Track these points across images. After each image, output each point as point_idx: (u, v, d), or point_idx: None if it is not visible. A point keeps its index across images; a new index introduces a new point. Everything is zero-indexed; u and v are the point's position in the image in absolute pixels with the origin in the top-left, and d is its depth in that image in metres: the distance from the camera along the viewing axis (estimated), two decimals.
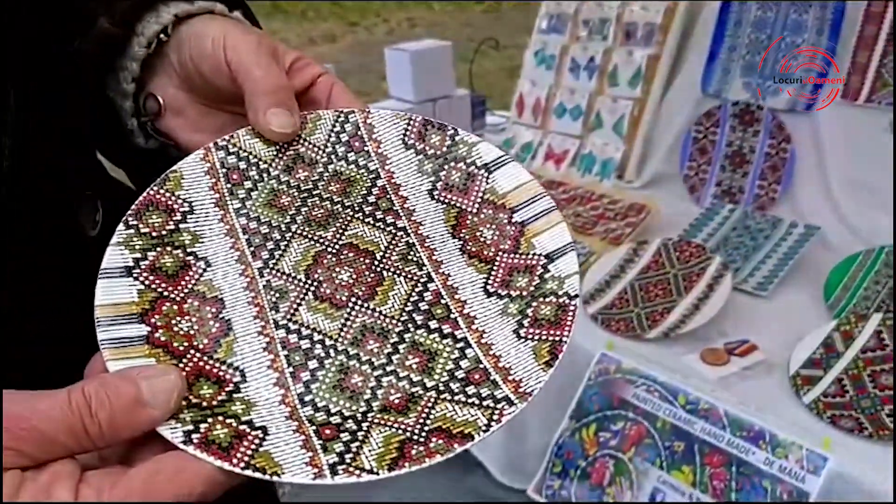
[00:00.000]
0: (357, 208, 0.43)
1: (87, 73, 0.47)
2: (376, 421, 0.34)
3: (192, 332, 0.37)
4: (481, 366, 0.37)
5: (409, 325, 0.39)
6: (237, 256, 0.40)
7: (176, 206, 0.41)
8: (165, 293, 0.38)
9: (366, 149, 0.45)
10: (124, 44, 0.46)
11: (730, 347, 1.31)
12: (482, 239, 0.42)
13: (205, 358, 0.36)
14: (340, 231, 0.42)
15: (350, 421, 0.34)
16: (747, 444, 1.14)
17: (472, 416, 0.34)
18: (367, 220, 0.43)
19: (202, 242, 0.40)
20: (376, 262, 0.41)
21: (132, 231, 0.39)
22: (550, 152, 2.06)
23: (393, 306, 0.39)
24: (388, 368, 0.37)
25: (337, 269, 0.40)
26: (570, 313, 0.38)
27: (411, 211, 0.43)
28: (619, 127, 1.93)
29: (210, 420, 0.33)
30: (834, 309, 1.37)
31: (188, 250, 0.40)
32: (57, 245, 0.45)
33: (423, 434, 0.33)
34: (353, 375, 0.37)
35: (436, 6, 6.68)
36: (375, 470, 0.32)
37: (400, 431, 0.34)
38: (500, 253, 0.41)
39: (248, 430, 0.33)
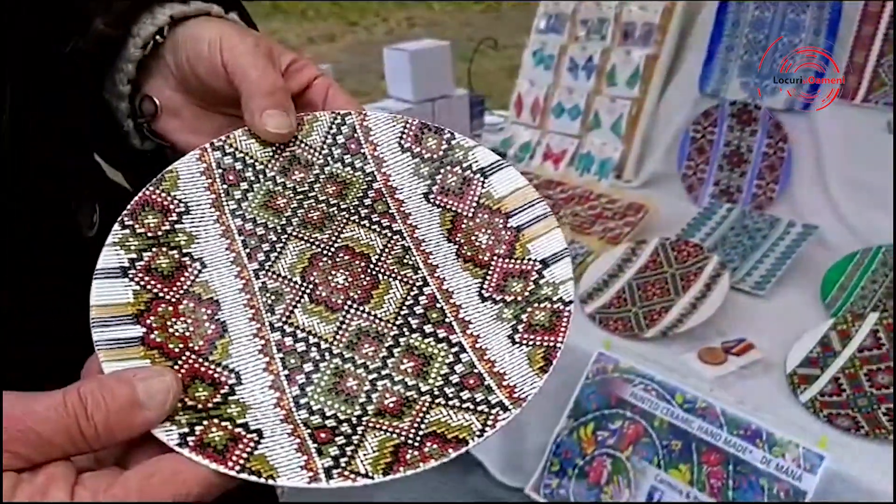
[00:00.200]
0: (353, 211, 0.43)
1: (84, 74, 0.47)
2: (371, 425, 0.34)
3: (187, 333, 0.37)
4: (476, 371, 0.37)
5: (405, 329, 0.39)
6: (233, 258, 0.40)
7: (172, 207, 0.41)
8: (161, 294, 0.38)
9: (362, 151, 0.45)
10: (120, 45, 0.46)
11: (727, 346, 1.32)
12: (477, 243, 0.42)
13: (200, 360, 0.36)
14: (336, 233, 0.42)
15: (345, 424, 0.35)
16: (744, 442, 1.14)
17: (467, 421, 0.34)
18: (362, 222, 0.43)
19: (198, 243, 0.40)
20: (372, 266, 0.41)
21: (128, 231, 0.39)
22: (549, 152, 2.06)
23: (388, 310, 0.39)
24: (384, 372, 0.37)
25: (332, 272, 0.40)
26: (565, 319, 0.38)
27: (407, 214, 0.43)
28: (618, 127, 1.94)
29: (206, 422, 0.33)
30: (831, 308, 1.37)
31: (184, 251, 0.40)
32: (56, 245, 0.45)
33: (418, 438, 0.33)
34: (348, 379, 0.37)
35: (435, 6, 6.68)
36: (370, 474, 0.32)
37: (395, 436, 0.34)
38: (496, 258, 0.41)
39: (243, 433, 0.33)
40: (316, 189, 0.44)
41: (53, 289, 0.43)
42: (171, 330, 0.37)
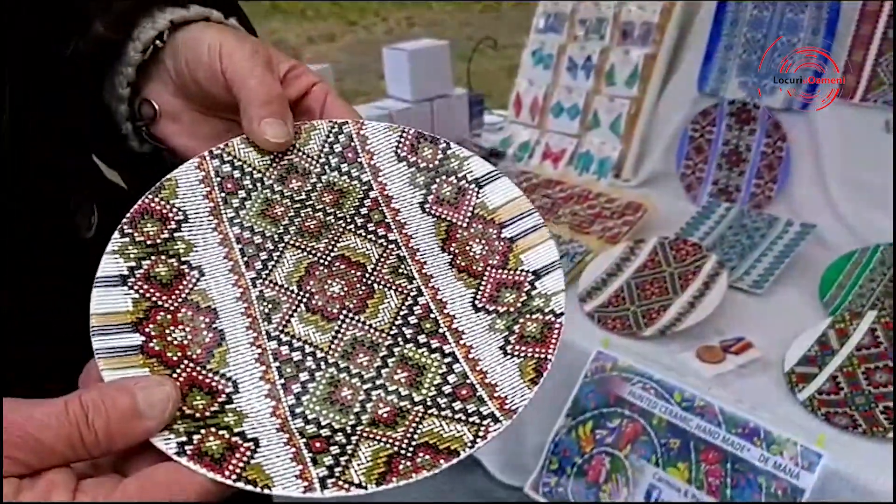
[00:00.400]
0: (349, 220, 0.43)
1: (83, 76, 0.47)
2: (365, 434, 0.35)
3: (185, 342, 0.37)
4: (468, 381, 0.37)
5: (399, 339, 0.39)
6: (230, 266, 0.41)
7: (171, 215, 0.41)
8: (160, 302, 0.38)
9: (359, 160, 0.45)
10: (120, 48, 0.46)
11: (725, 345, 1.32)
12: (472, 253, 0.42)
13: (198, 368, 0.36)
14: (333, 242, 0.42)
15: (339, 434, 0.35)
16: (742, 440, 1.14)
17: (459, 432, 0.35)
18: (358, 231, 0.43)
19: (196, 251, 0.41)
20: (367, 275, 0.41)
21: (127, 239, 0.39)
22: (548, 151, 2.06)
23: (383, 319, 0.40)
24: (378, 382, 0.37)
25: (329, 281, 0.41)
26: (556, 331, 0.38)
27: (402, 223, 0.43)
28: (616, 126, 1.94)
29: (203, 431, 0.33)
30: (829, 307, 1.38)
31: (182, 259, 0.40)
32: (56, 245, 0.46)
33: (411, 449, 0.34)
34: (343, 388, 0.37)
35: (435, 5, 6.68)
36: (364, 484, 0.32)
37: (388, 446, 0.34)
38: (489, 268, 0.42)
39: (240, 442, 0.33)
40: (313, 198, 0.44)
41: (53, 289, 0.44)
42: (169, 338, 0.37)
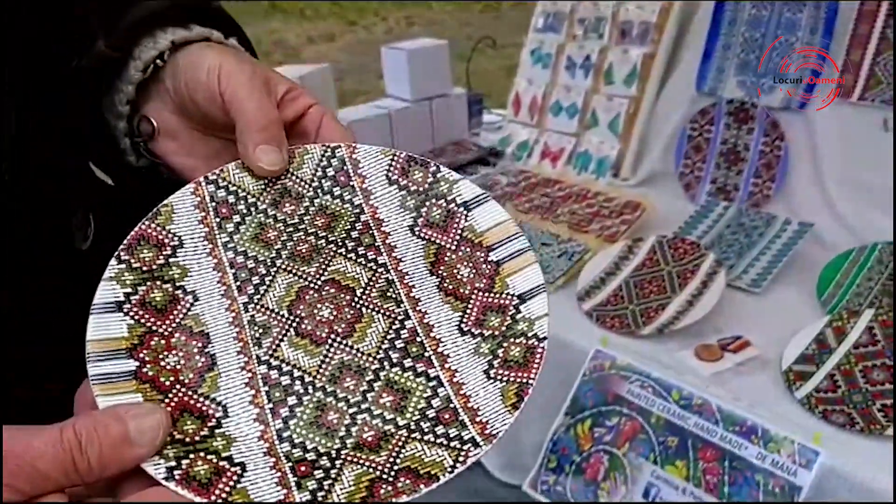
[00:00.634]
0: (340, 243, 0.44)
1: (84, 89, 0.48)
2: (349, 458, 0.35)
3: (178, 366, 0.38)
4: (451, 405, 0.38)
5: (385, 363, 0.39)
6: (223, 291, 0.41)
7: (166, 241, 0.42)
8: (154, 328, 0.39)
9: (351, 183, 0.46)
10: (121, 66, 0.47)
11: (723, 343, 1.32)
12: (459, 276, 0.43)
13: (189, 392, 0.37)
14: (323, 267, 0.43)
15: (324, 457, 0.36)
16: (740, 438, 1.15)
17: (439, 456, 0.35)
18: (349, 255, 0.43)
19: (191, 276, 0.41)
20: (356, 299, 0.42)
21: (124, 266, 0.40)
22: (546, 150, 2.07)
23: (370, 343, 0.40)
24: (363, 406, 0.38)
25: (318, 306, 0.41)
26: (538, 356, 0.38)
27: (392, 247, 0.44)
28: (615, 125, 1.94)
29: (192, 456, 0.34)
30: (827, 305, 1.38)
31: (177, 284, 0.41)
32: (56, 245, 0.46)
33: (392, 473, 0.35)
34: (329, 412, 0.37)
35: (434, 5, 6.68)
36: None
37: (370, 470, 0.35)
38: (476, 291, 0.42)
39: (227, 467, 0.34)
40: (306, 221, 0.44)
41: (53, 289, 0.44)
42: (162, 363, 0.38)
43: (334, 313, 0.41)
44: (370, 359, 0.39)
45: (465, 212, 0.44)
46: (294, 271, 0.42)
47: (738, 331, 1.35)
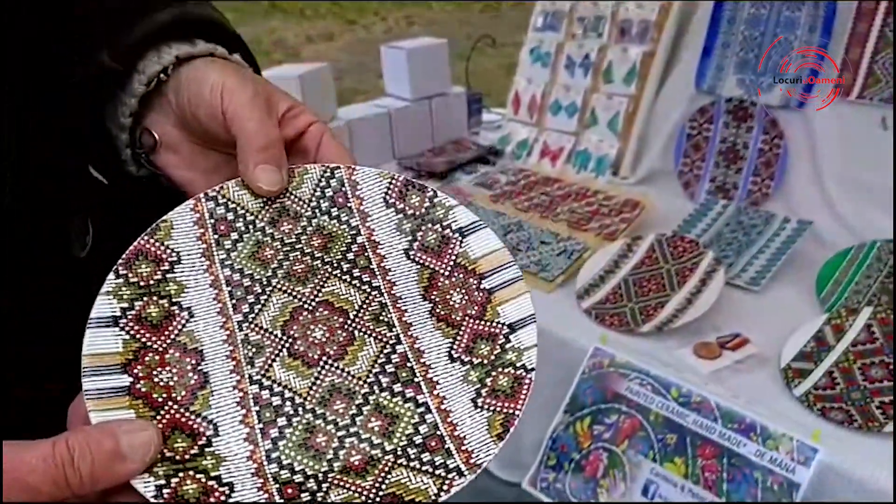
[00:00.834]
0: (336, 265, 0.44)
1: (86, 99, 0.48)
2: (335, 482, 0.36)
3: (171, 383, 0.38)
4: (438, 433, 0.38)
5: (375, 388, 0.40)
6: (219, 308, 0.41)
7: (164, 256, 0.42)
8: (149, 343, 0.39)
9: (349, 205, 0.46)
10: (124, 79, 0.47)
11: (722, 341, 1.33)
12: (451, 303, 0.43)
13: (181, 410, 0.37)
14: (318, 288, 0.43)
15: (311, 480, 0.36)
16: (739, 436, 1.15)
17: (424, 484, 0.35)
18: (344, 277, 0.44)
19: (187, 293, 0.41)
20: (349, 321, 0.42)
21: (121, 280, 0.40)
22: (546, 149, 2.07)
23: (361, 367, 0.40)
24: (352, 430, 0.38)
25: (311, 327, 0.41)
26: (526, 387, 0.39)
27: (387, 270, 0.44)
28: (614, 124, 1.95)
29: (181, 475, 0.34)
30: (825, 303, 1.38)
31: (173, 300, 0.41)
32: (56, 245, 0.46)
33: (377, 499, 0.35)
34: (318, 434, 0.38)
35: (434, 5, 6.68)
36: None
37: (356, 494, 0.35)
38: (467, 318, 0.42)
39: (215, 486, 0.34)
40: (303, 241, 0.45)
41: (53, 289, 0.44)
42: (156, 379, 0.38)
43: (327, 335, 0.41)
44: (360, 382, 0.40)
45: (459, 238, 0.45)
46: (289, 291, 0.43)
47: (736, 328, 1.35)
